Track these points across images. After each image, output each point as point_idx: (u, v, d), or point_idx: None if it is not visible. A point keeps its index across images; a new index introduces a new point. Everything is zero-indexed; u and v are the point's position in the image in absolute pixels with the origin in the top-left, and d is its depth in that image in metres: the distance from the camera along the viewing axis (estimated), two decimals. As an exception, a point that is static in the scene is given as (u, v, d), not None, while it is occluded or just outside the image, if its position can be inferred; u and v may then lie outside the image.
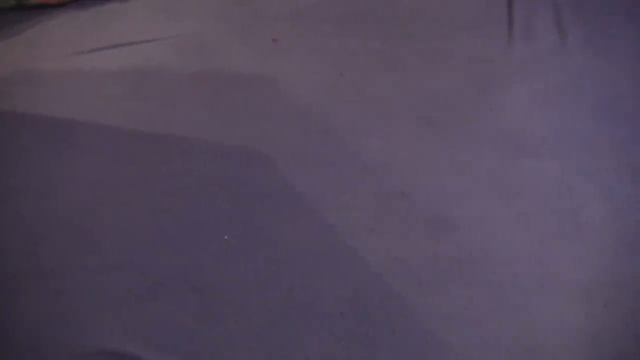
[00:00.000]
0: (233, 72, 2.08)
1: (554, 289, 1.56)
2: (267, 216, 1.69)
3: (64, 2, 2.36)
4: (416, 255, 1.62)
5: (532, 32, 2.26)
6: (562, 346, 1.47)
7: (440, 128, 1.91)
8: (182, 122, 1.92)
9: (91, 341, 1.46)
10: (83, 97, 2.01)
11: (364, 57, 2.15)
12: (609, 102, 1.99)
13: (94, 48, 2.19)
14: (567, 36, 2.22)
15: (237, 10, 2.35)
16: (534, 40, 2.21)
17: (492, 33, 2.25)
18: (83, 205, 1.71)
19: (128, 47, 2.19)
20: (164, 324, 1.49)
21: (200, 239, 1.64)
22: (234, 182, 1.76)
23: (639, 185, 1.75)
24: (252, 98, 1.98)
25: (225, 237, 1.64)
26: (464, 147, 1.86)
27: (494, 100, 2.00)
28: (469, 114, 1.96)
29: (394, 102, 1.99)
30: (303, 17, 2.32)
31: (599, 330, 1.49)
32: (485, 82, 2.07)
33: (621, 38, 2.20)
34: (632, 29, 2.24)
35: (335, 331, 1.49)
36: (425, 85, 2.05)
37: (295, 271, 1.58)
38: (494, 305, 1.54)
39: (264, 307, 1.52)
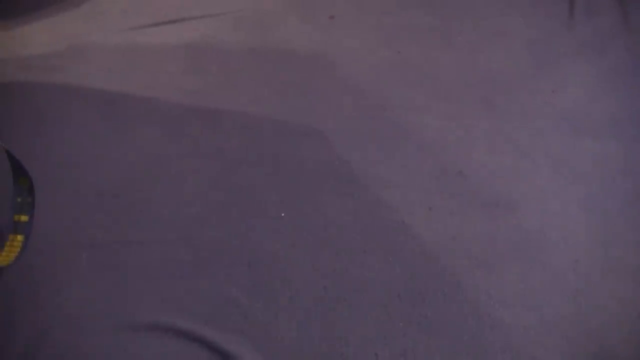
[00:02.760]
0: (290, 48, 2.06)
1: (615, 274, 1.53)
2: (323, 193, 1.68)
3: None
4: (473, 235, 1.60)
5: (593, 11, 2.20)
6: (623, 332, 1.44)
7: (499, 108, 1.88)
8: (239, 97, 1.92)
9: (143, 316, 1.47)
10: (138, 72, 2.02)
11: (422, 35, 2.12)
12: (673, 84, 1.94)
13: (151, 23, 2.19)
14: (629, 14, 2.15)
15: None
16: (595, 19, 2.16)
17: (552, 12, 2.19)
18: (136, 181, 1.72)
19: (185, 22, 2.20)
20: (216, 299, 1.50)
21: (254, 215, 1.64)
22: (290, 158, 1.75)
23: None
24: (309, 75, 1.97)
25: (282, 214, 1.63)
26: (524, 127, 1.82)
27: (553, 81, 1.96)
28: (528, 94, 1.92)
29: (452, 81, 1.96)
30: (359, -6, 2.29)
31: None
32: (545, 62, 2.02)
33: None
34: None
35: (392, 312, 1.48)
36: (484, 65, 2.01)
37: (351, 249, 1.57)
38: (552, 289, 1.52)
39: (318, 286, 1.52)
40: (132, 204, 1.66)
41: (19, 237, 1.49)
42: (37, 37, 2.13)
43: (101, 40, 2.12)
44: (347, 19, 2.18)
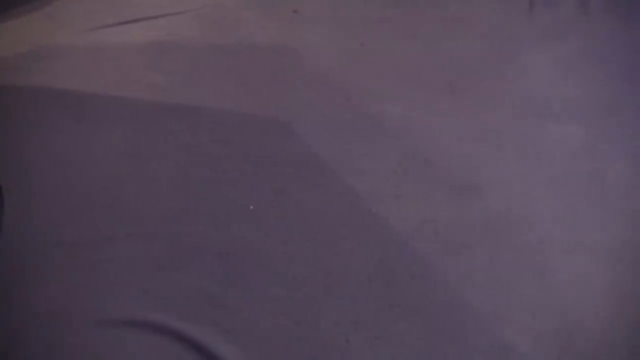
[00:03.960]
0: (255, 42, 2.08)
1: (580, 251, 1.57)
2: (292, 183, 1.69)
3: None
4: (441, 220, 1.62)
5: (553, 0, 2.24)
6: (588, 307, 1.47)
7: (462, 94, 1.91)
8: (205, 93, 1.93)
9: (120, 311, 1.47)
10: (104, 71, 2.02)
11: (385, 26, 2.14)
12: (631, 68, 1.98)
13: (114, 22, 2.19)
14: (588, 3, 2.20)
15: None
16: (555, 6, 2.20)
17: (513, 0, 2.23)
18: (107, 178, 1.71)
19: (149, 21, 2.20)
20: (189, 292, 1.50)
21: (225, 208, 1.65)
22: (258, 150, 1.77)
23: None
24: (274, 68, 1.99)
25: (251, 207, 1.64)
26: (487, 112, 1.86)
27: (516, 67, 2.00)
28: (491, 81, 1.96)
29: (415, 69, 1.99)
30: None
31: (625, 292, 1.49)
32: (507, 48, 2.06)
33: (643, 2, 2.18)
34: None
35: (363, 296, 1.50)
36: (447, 53, 2.04)
37: (321, 238, 1.59)
38: (519, 268, 1.54)
39: (290, 274, 1.53)
40: (104, 201, 1.66)
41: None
42: (0, 39, 2.12)
43: (66, 41, 2.11)
44: (311, 12, 2.20)
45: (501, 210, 1.64)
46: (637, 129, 1.78)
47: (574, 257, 1.55)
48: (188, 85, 1.95)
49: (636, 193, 1.65)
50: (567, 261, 1.55)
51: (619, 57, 2.02)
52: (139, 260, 1.56)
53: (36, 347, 1.41)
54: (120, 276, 1.53)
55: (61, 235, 1.60)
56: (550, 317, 1.46)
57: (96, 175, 1.72)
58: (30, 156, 1.75)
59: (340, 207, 1.64)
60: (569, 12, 2.18)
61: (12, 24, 2.17)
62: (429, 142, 1.79)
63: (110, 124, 1.85)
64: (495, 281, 1.52)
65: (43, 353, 1.40)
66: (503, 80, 1.96)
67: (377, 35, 2.11)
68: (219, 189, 1.69)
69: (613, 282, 1.50)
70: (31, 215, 1.63)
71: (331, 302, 1.49)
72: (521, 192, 1.68)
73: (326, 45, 2.07)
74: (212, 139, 1.80)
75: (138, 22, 2.18)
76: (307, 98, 1.90)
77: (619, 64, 2.00)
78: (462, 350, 1.42)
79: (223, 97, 1.91)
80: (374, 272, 1.53)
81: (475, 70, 1.98)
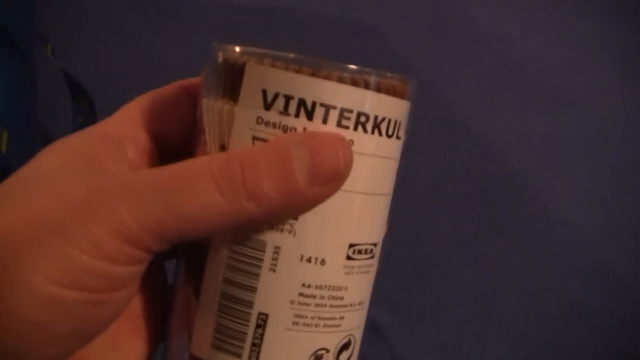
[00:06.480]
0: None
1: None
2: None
3: None
4: (535, 132, 1.58)
5: None
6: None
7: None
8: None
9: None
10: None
11: None
12: None
13: None
14: None
15: None
16: None
17: None
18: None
19: None
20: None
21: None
22: (344, 55, 1.68)
23: None
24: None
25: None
26: (584, 17, 1.76)
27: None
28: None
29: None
30: None
31: None
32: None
33: None
34: None
35: (462, 214, 1.48)
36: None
37: (417, 152, 1.54)
38: (617, 187, 1.52)
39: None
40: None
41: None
42: None
43: None
44: None
45: (598, 123, 1.60)
46: None
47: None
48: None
49: None
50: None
51: None
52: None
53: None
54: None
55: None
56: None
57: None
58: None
59: (434, 118, 1.59)
60: None
61: None
62: (521, 48, 1.71)
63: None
64: (594, 200, 1.50)
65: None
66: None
67: None
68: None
69: None
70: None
71: (432, 220, 1.47)
72: (618, 104, 1.63)
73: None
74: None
75: None
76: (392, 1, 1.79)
77: None
78: (562, 271, 1.43)
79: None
80: (473, 189, 1.50)
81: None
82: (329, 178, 0.41)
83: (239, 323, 0.45)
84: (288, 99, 0.41)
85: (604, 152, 1.56)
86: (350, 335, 0.49)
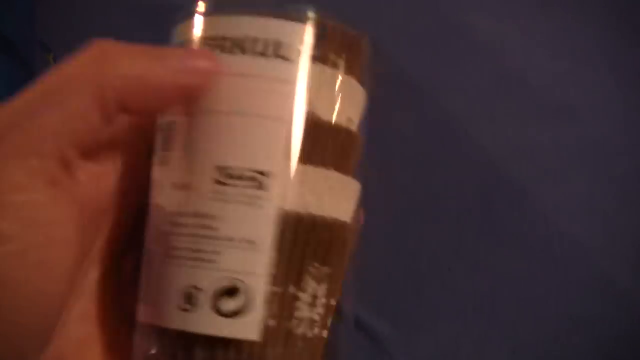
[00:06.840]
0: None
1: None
2: (382, 104, 1.62)
3: None
4: (535, 142, 1.58)
5: None
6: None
7: (556, 6, 1.80)
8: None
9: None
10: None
11: None
12: None
13: None
14: None
15: None
16: None
17: None
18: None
19: None
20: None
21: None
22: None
23: None
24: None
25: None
26: (585, 30, 1.76)
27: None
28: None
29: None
30: None
31: None
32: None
33: None
34: None
35: (462, 225, 1.48)
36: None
37: (416, 162, 1.54)
38: (618, 199, 1.52)
39: (384, 201, 1.50)
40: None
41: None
42: None
43: None
44: None
45: (598, 135, 1.59)
46: None
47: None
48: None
49: None
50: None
51: None
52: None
53: None
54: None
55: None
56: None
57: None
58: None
59: (435, 129, 1.58)
60: None
61: None
62: (522, 57, 1.70)
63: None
64: (593, 211, 1.49)
65: None
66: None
67: None
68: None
69: None
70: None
71: (431, 231, 1.47)
72: (618, 115, 1.63)
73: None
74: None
75: None
76: (390, 10, 1.78)
77: None
78: (562, 281, 1.43)
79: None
80: (472, 198, 1.50)
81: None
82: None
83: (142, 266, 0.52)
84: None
85: (604, 163, 1.56)
86: (236, 280, 0.45)
